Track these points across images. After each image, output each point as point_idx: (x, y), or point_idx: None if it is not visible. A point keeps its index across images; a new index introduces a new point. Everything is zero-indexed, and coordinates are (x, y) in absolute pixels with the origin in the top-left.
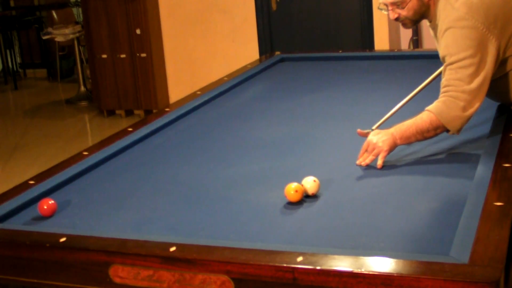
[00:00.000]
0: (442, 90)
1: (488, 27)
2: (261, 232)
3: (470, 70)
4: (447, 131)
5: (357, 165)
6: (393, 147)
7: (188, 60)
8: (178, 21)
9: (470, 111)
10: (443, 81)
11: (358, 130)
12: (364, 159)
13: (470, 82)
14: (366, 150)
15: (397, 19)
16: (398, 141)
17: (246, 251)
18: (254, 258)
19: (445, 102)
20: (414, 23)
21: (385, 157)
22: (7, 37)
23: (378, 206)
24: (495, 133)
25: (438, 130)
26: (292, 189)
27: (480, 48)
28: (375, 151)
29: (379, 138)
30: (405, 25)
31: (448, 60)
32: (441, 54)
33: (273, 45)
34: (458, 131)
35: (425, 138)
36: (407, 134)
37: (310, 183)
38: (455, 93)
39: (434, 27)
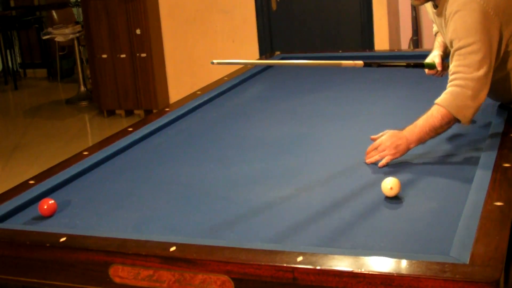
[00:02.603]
0: (450, 77)
1: (497, 14)
2: (261, 232)
3: (479, 56)
4: (459, 121)
5: (366, 163)
6: (405, 153)
7: (188, 60)
8: (178, 21)
9: (479, 99)
10: (451, 67)
11: (372, 136)
12: (370, 157)
13: (479, 68)
14: (376, 149)
15: None
16: (411, 145)
17: (246, 251)
18: (254, 258)
19: (453, 93)
20: None
21: (392, 160)
22: (7, 37)
23: (378, 206)
24: (495, 133)
25: (450, 123)
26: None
27: (488, 33)
28: (385, 153)
29: (393, 142)
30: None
31: (456, 44)
32: (448, 37)
33: (273, 45)
34: (469, 121)
35: (438, 134)
36: (421, 135)
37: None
38: (464, 82)
39: (441, 12)
